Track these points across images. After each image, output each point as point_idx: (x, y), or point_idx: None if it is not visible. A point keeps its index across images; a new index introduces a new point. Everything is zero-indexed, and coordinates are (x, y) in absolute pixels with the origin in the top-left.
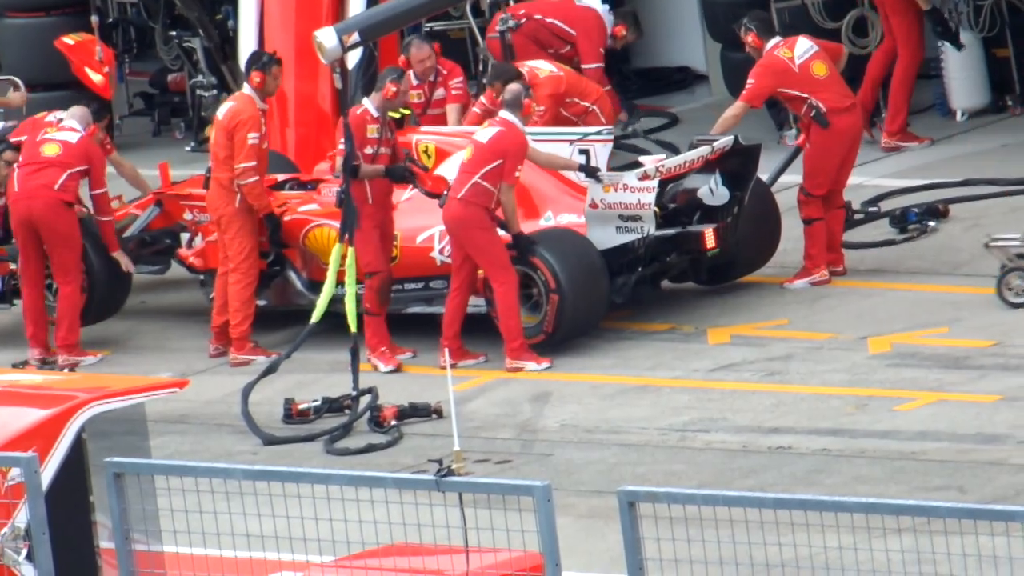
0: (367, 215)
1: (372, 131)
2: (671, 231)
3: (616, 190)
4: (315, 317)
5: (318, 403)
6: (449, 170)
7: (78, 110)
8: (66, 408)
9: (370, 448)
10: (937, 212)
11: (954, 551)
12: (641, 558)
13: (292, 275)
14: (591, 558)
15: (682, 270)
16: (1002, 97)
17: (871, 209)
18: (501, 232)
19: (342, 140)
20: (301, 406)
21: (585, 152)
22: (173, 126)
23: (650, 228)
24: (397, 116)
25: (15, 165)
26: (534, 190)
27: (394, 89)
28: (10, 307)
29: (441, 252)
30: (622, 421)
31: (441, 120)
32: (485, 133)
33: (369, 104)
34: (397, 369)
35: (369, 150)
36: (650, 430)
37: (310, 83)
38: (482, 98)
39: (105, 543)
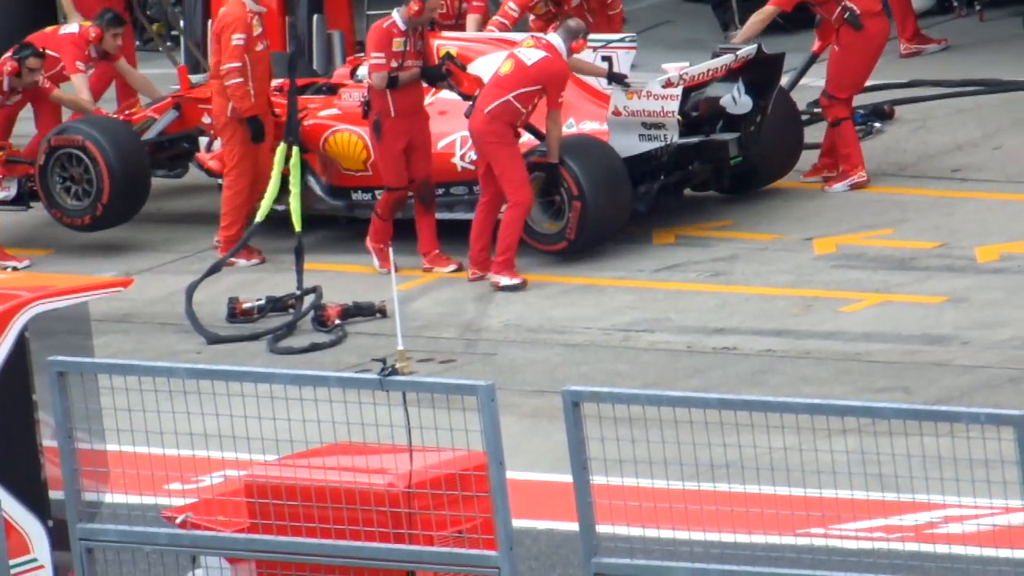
0: (389, 128)
1: (397, 44)
2: (694, 139)
3: (640, 97)
4: (259, 216)
5: (262, 302)
6: (480, 70)
7: None
8: (9, 307)
9: (314, 347)
10: (883, 113)
11: (899, 452)
12: (585, 458)
13: (311, 180)
14: (535, 457)
15: (704, 179)
16: None
17: (816, 110)
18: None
19: (374, 52)
20: (245, 305)
21: (608, 59)
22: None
23: (673, 136)
24: None
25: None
26: None
27: (416, 8)
28: (27, 209)
29: (462, 158)
30: (566, 321)
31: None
32: (530, 54)
33: (397, 17)
34: (391, 272)
35: (394, 63)
36: (594, 330)
37: None
38: (511, 3)
39: (48, 441)
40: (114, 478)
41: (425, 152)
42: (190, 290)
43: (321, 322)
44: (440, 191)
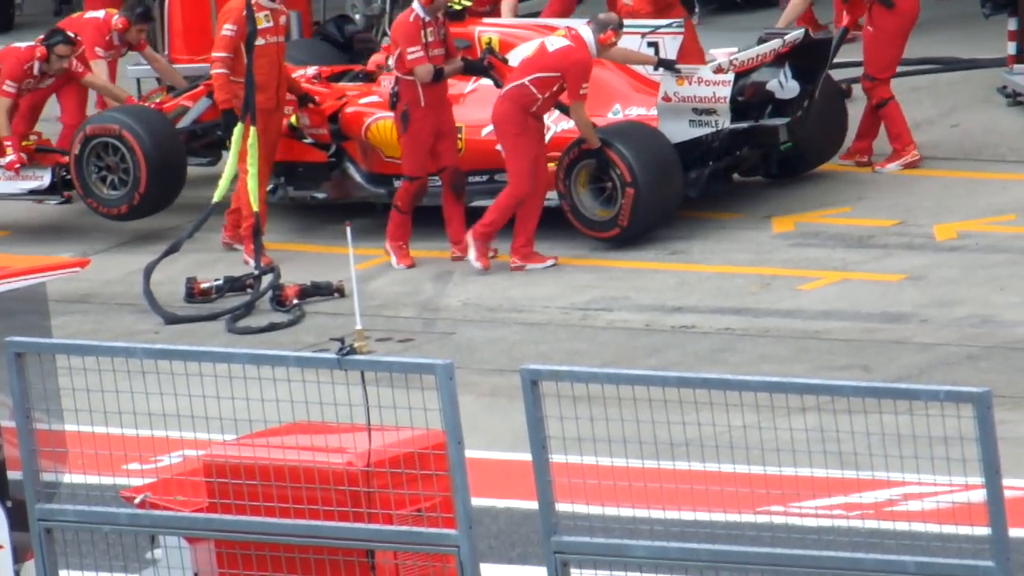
0: (418, 117)
1: (423, 35)
2: (744, 124)
3: (691, 83)
4: (217, 196)
5: (220, 282)
6: (520, 59)
7: None
8: None
9: (272, 327)
10: (840, 91)
11: (858, 430)
12: (544, 436)
13: (351, 168)
14: (494, 436)
15: (753, 164)
16: None
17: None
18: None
19: (410, 47)
20: (203, 285)
21: (654, 45)
22: (74, 5)
23: (725, 122)
24: (458, 7)
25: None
26: (602, 83)
27: None
28: (61, 200)
29: None
30: (524, 300)
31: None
32: (555, 42)
33: (418, 8)
34: (410, 267)
35: (420, 53)
36: (552, 309)
37: None
38: None
39: (6, 422)
40: (72, 458)
41: (453, 140)
42: (148, 270)
43: (279, 302)
44: (484, 178)
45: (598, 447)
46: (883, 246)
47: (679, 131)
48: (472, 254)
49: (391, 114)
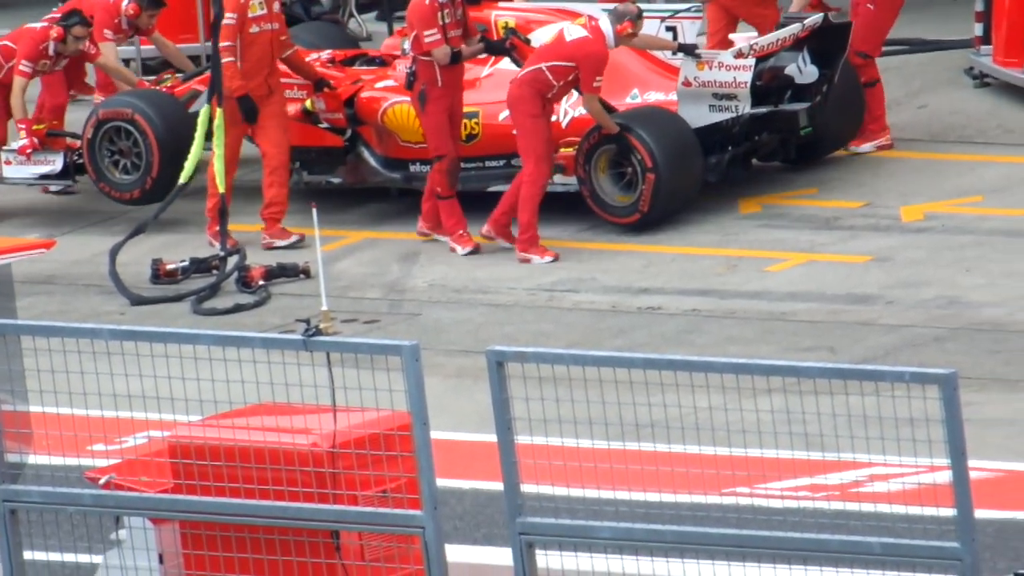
0: (435, 98)
1: (440, 16)
2: (764, 110)
3: (711, 68)
4: (183, 178)
5: (186, 263)
6: (540, 42)
7: None
8: None
9: (238, 308)
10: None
11: (824, 411)
12: (509, 417)
13: (366, 153)
14: (459, 417)
15: (772, 149)
16: None
17: None
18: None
19: (426, 30)
20: (169, 266)
21: (672, 29)
22: None
23: (745, 107)
24: None
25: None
26: (620, 68)
27: None
28: (73, 183)
29: None
30: (490, 281)
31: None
32: (573, 31)
33: None
34: (476, 251)
35: (437, 36)
36: (518, 290)
37: None
38: None
39: None
40: (37, 439)
41: (459, 127)
42: (114, 251)
43: (245, 283)
44: (500, 163)
45: (564, 428)
46: (849, 228)
47: (699, 116)
48: (536, 259)
49: (407, 98)
